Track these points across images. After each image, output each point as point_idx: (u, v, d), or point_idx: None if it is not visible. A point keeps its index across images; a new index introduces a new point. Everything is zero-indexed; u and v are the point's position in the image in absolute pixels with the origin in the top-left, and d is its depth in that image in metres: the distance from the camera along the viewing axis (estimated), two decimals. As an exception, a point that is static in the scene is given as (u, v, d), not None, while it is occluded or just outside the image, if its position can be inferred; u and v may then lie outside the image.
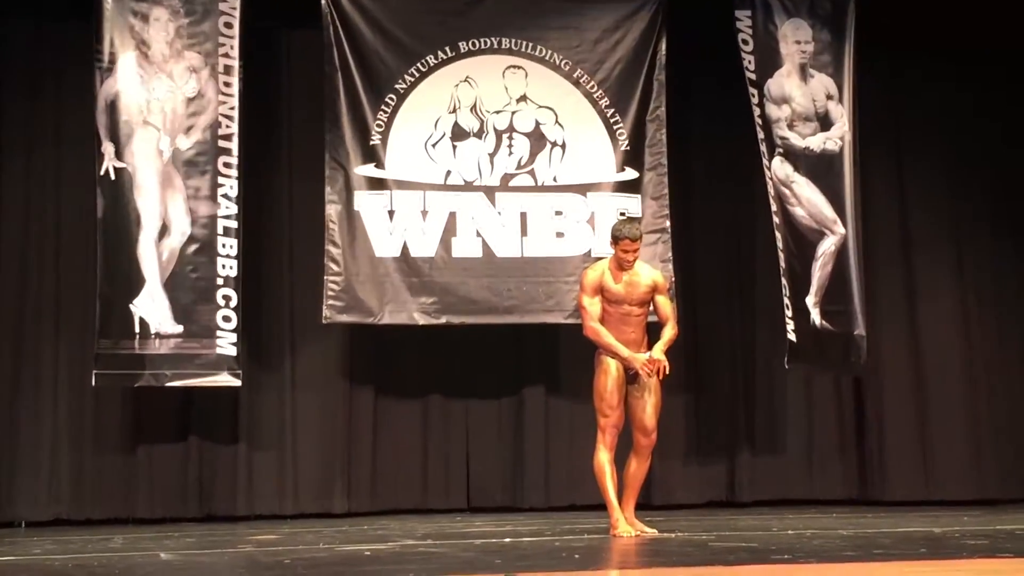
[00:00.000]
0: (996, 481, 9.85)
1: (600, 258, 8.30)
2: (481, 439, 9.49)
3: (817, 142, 9.43)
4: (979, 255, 10.08)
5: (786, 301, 9.25)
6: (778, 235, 9.29)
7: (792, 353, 9.26)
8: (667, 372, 7.60)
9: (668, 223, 9.24)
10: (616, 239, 7.65)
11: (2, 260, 9.03)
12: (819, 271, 9.35)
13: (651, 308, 7.78)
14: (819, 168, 9.41)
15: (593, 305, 7.66)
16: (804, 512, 9.14)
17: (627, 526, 7.54)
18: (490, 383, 9.50)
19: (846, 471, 9.81)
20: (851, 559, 6.27)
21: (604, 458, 7.58)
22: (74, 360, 8.89)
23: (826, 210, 9.38)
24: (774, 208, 9.30)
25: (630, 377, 7.62)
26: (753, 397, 9.78)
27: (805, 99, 9.43)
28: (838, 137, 9.45)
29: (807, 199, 9.38)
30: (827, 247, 9.37)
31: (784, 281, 9.27)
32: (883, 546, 6.81)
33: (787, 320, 9.23)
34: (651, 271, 7.90)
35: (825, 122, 9.46)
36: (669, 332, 7.72)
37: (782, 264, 9.29)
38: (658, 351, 7.61)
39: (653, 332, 7.78)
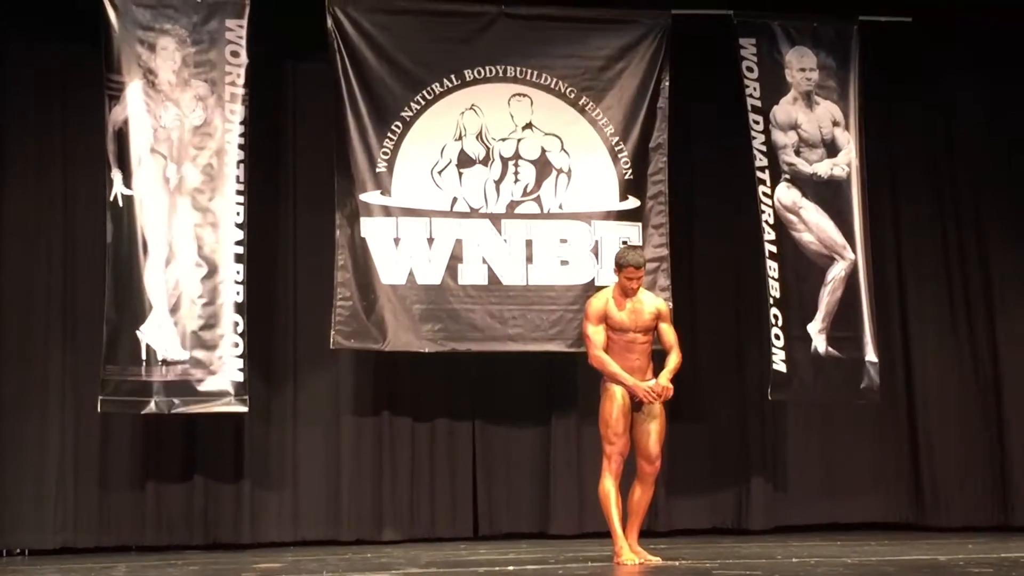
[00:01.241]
0: (1002, 508, 9.85)
1: (604, 287, 8.29)
2: (488, 467, 9.47)
3: (824, 168, 9.45)
4: (977, 281, 10.06)
5: (775, 331, 9.21)
6: (772, 264, 9.27)
7: (778, 385, 9.21)
8: (670, 395, 7.59)
9: (667, 252, 9.25)
10: (620, 267, 7.66)
11: (9, 285, 9.06)
12: (828, 296, 9.35)
13: (656, 336, 7.78)
14: (827, 194, 9.42)
15: (597, 333, 7.66)
16: (808, 539, 9.11)
17: (631, 554, 7.52)
18: (497, 410, 9.50)
19: (849, 498, 9.78)
20: (853, 588, 6.27)
21: (609, 485, 7.57)
22: (81, 386, 8.89)
23: (835, 235, 9.39)
24: (771, 236, 9.28)
25: (635, 405, 7.62)
26: (757, 424, 9.75)
27: (811, 126, 9.44)
28: (845, 163, 9.47)
29: (816, 224, 9.39)
30: (837, 272, 9.37)
31: (775, 311, 9.22)
32: (887, 574, 6.78)
33: (775, 351, 9.20)
34: (655, 299, 7.90)
35: (832, 148, 9.48)
36: (674, 360, 7.72)
37: (774, 294, 9.25)
38: (664, 379, 7.61)
39: (660, 360, 7.78)
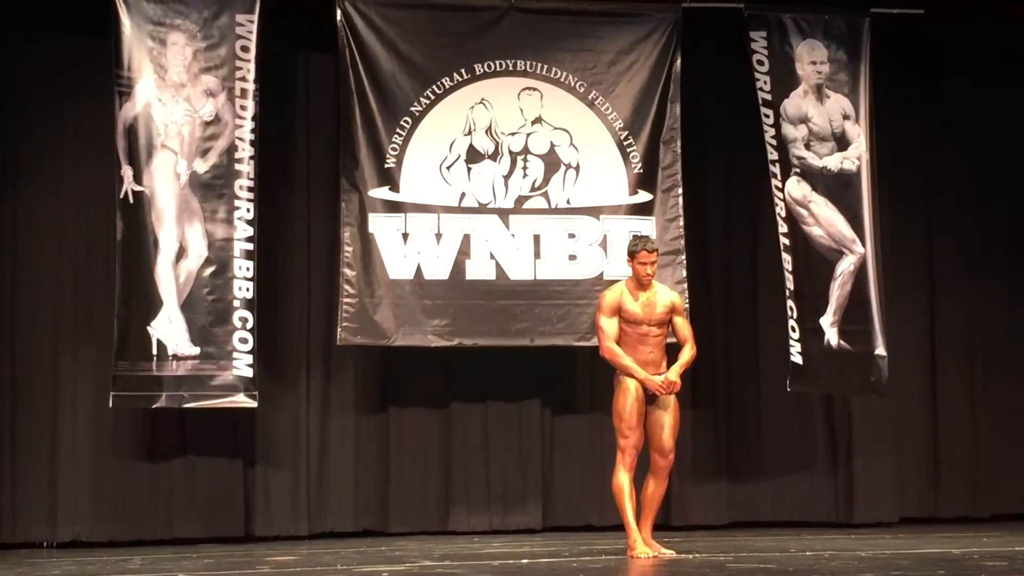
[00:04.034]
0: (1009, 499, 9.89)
1: (615, 280, 8.29)
2: (501, 460, 9.45)
3: (834, 162, 9.44)
4: (1002, 281, 10.09)
5: (792, 323, 9.24)
6: (786, 257, 9.29)
7: (796, 376, 9.22)
8: (677, 389, 7.60)
9: (683, 244, 9.25)
10: (633, 254, 7.66)
11: (22, 281, 9.06)
12: (838, 290, 9.35)
13: (670, 329, 7.77)
14: (836, 187, 9.42)
15: (610, 325, 7.66)
16: (822, 533, 9.12)
17: (645, 547, 7.52)
18: (509, 402, 9.48)
19: (864, 492, 9.75)
20: (870, 580, 6.27)
21: (623, 479, 7.57)
22: (93, 381, 8.90)
23: (844, 229, 9.39)
24: (784, 229, 9.30)
25: (649, 398, 7.62)
26: (772, 417, 9.75)
27: (822, 119, 9.44)
28: (855, 157, 9.46)
29: (825, 218, 9.39)
30: (846, 266, 9.36)
31: (791, 303, 9.25)
32: (901, 567, 6.79)
33: (792, 343, 9.21)
34: (669, 292, 7.90)
35: (842, 142, 9.47)
36: (687, 354, 7.72)
37: (789, 286, 9.26)
38: (674, 373, 7.62)
39: (674, 354, 7.77)
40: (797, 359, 9.22)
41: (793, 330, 9.24)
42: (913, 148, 10.06)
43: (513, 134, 9.28)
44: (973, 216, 10.11)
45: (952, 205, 10.10)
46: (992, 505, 9.87)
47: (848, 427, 9.82)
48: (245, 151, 8.80)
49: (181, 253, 8.71)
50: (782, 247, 9.30)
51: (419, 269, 9.06)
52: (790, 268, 9.29)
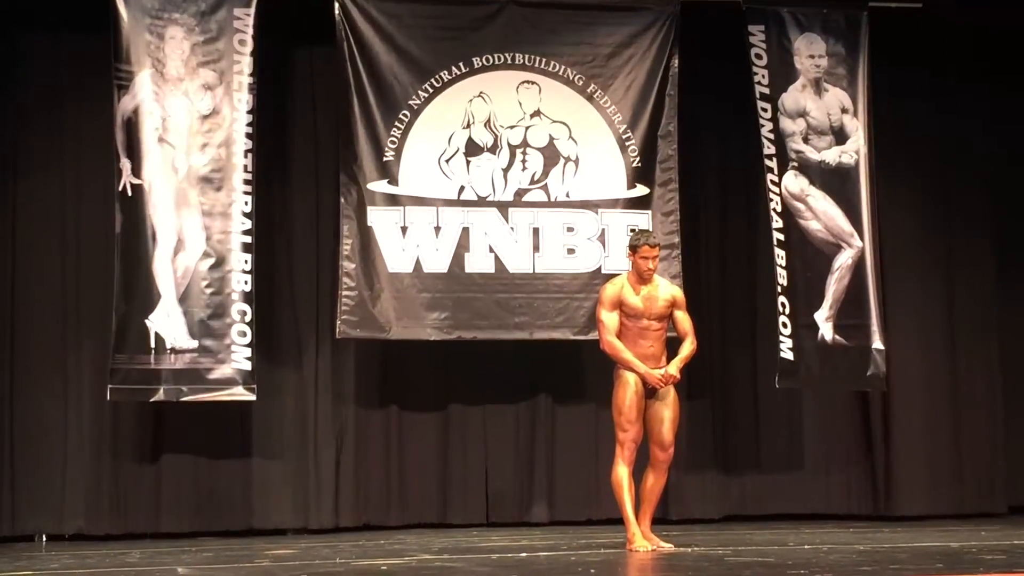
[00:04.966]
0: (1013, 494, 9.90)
1: (615, 274, 8.29)
2: (499, 453, 9.48)
3: (833, 155, 9.45)
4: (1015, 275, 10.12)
5: (783, 319, 9.23)
6: (779, 252, 9.28)
7: (785, 373, 9.22)
8: (676, 381, 7.61)
9: (679, 239, 9.25)
10: (635, 248, 7.66)
11: (22, 275, 9.07)
12: (835, 285, 9.35)
13: (670, 323, 7.77)
14: (835, 181, 9.43)
15: (611, 319, 7.65)
16: (821, 527, 9.13)
17: (643, 541, 7.53)
18: (507, 396, 9.50)
19: (862, 485, 9.78)
20: (868, 574, 6.22)
21: (622, 472, 7.57)
22: (92, 374, 8.91)
23: (843, 223, 9.39)
24: (779, 224, 9.29)
25: (648, 391, 7.62)
26: (770, 411, 9.76)
27: (820, 113, 9.44)
28: (853, 151, 9.46)
29: (823, 212, 9.39)
30: (844, 260, 9.37)
31: (782, 299, 9.24)
32: (900, 561, 6.79)
33: (782, 339, 9.20)
34: (670, 286, 7.90)
35: (840, 136, 9.47)
36: (688, 348, 7.72)
37: (781, 281, 9.26)
38: (674, 367, 7.63)
39: (674, 348, 7.77)
40: (787, 355, 9.21)
41: (784, 326, 9.23)
42: (915, 140, 10.04)
43: (512, 127, 9.28)
44: (982, 209, 10.08)
45: (959, 197, 10.07)
46: (1009, 497, 9.87)
47: (855, 421, 9.83)
48: (243, 144, 8.80)
49: (179, 246, 8.72)
50: (775, 242, 9.30)
51: (418, 262, 9.06)
52: (783, 263, 9.29)
